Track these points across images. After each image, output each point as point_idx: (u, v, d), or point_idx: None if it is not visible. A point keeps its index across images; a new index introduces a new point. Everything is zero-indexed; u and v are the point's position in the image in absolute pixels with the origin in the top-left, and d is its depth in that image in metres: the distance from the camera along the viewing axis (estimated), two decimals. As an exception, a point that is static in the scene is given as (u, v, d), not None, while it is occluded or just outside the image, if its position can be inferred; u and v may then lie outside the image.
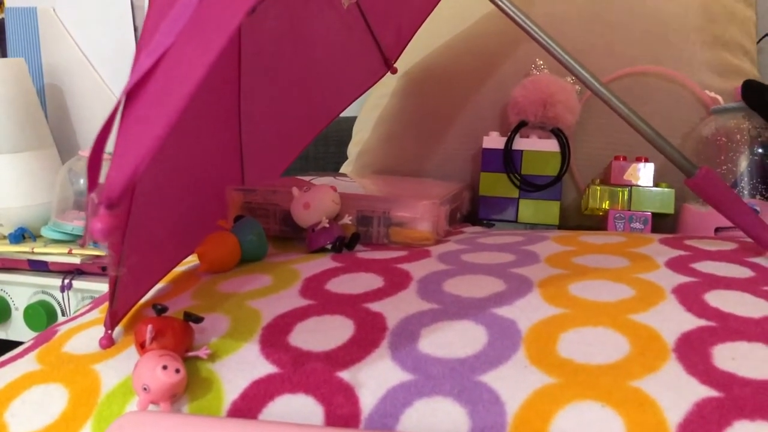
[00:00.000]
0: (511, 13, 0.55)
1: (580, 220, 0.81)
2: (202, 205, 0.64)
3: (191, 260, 0.63)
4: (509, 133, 0.79)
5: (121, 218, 0.44)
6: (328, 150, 1.09)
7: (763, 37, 1.06)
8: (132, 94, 0.28)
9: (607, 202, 0.76)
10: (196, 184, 0.64)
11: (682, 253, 0.57)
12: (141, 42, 0.32)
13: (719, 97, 0.79)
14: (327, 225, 0.61)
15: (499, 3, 0.54)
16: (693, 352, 0.41)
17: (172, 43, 0.28)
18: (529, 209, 0.79)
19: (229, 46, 0.65)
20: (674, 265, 0.53)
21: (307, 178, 0.78)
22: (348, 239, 0.62)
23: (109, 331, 0.49)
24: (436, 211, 0.63)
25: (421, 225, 0.62)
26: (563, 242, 0.61)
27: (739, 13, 0.89)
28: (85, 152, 1.18)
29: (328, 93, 0.83)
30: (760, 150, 0.71)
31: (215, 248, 0.58)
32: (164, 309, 0.45)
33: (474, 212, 0.82)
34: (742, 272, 0.52)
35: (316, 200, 0.61)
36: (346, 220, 0.63)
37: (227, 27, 0.27)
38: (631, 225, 0.74)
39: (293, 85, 0.78)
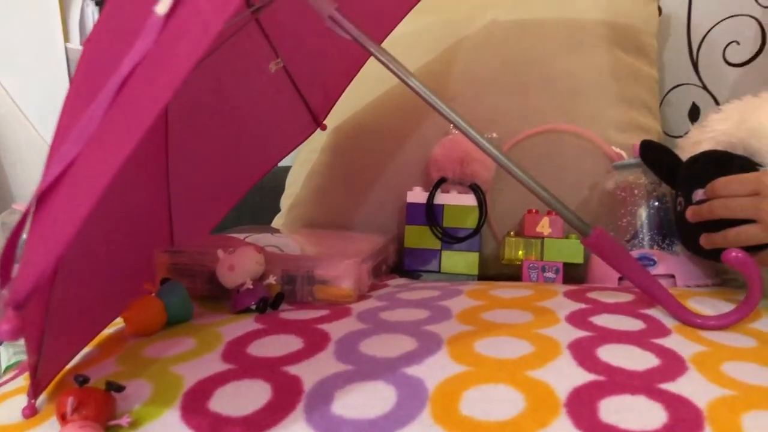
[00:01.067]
0: (408, 82, 0.58)
1: (499, 268, 0.85)
2: (130, 268, 0.66)
3: (119, 322, 0.65)
4: (431, 189, 0.84)
5: (34, 312, 0.46)
6: (263, 200, 1.12)
7: (667, 93, 1.14)
8: (42, 198, 0.30)
9: (522, 252, 0.81)
10: (124, 248, 0.65)
11: (582, 306, 0.61)
12: (54, 144, 0.34)
13: (623, 153, 0.85)
14: (251, 286, 0.63)
15: (388, 64, 0.58)
16: (582, 407, 0.45)
17: (78, 153, 0.30)
18: (451, 260, 0.83)
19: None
20: (573, 319, 0.58)
21: (240, 235, 0.80)
22: (272, 299, 0.64)
23: (33, 401, 0.50)
24: (358, 270, 0.66)
25: (344, 283, 0.65)
26: (475, 296, 0.65)
27: (642, 73, 0.96)
28: (19, 205, 1.17)
29: (258, 151, 0.86)
30: (656, 203, 0.77)
31: (141, 312, 0.60)
32: (86, 380, 0.46)
33: (401, 263, 0.86)
34: (634, 324, 0.57)
35: (241, 262, 0.64)
36: (271, 279, 0.65)
37: (131, 139, 0.29)
38: (545, 274, 0.79)
39: (222, 144, 0.80)
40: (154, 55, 0.30)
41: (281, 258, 0.67)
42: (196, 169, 0.77)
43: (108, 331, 0.64)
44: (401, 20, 0.86)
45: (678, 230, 0.73)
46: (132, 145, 0.29)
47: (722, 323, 0.57)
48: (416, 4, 0.85)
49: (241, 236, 0.81)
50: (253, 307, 0.63)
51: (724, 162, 0.68)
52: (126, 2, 0.40)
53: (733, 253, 0.56)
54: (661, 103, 1.15)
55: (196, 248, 0.70)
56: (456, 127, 0.59)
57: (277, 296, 0.65)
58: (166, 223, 0.74)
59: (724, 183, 0.64)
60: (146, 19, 0.32)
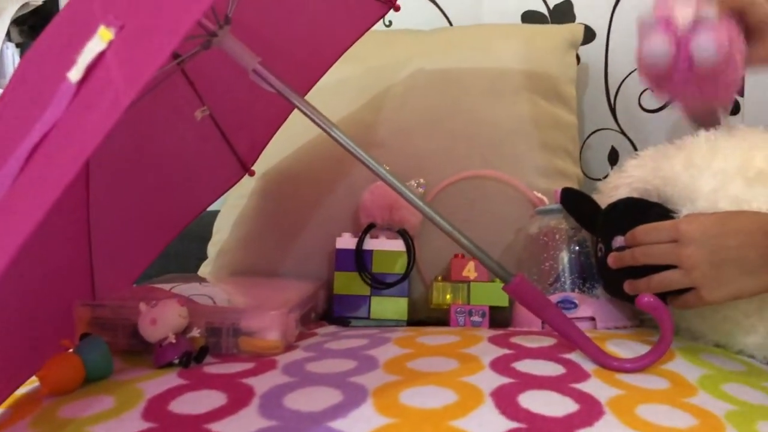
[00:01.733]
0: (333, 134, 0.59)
1: (428, 312, 0.86)
2: (47, 323, 0.64)
3: (34, 380, 0.62)
4: (360, 234, 0.84)
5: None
6: (190, 246, 1.10)
7: (588, 137, 1.19)
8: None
9: (450, 296, 0.82)
10: (41, 302, 0.63)
11: (506, 351, 0.62)
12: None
13: (545, 198, 0.88)
14: (174, 340, 0.62)
15: (312, 116, 0.59)
16: (503, 455, 0.46)
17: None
18: (380, 306, 0.83)
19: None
20: (497, 365, 0.59)
21: (165, 286, 0.79)
22: (196, 352, 0.63)
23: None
24: (284, 320, 0.66)
25: (270, 334, 0.65)
26: (403, 344, 0.65)
27: (562, 120, 1.00)
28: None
29: (183, 198, 0.85)
30: (577, 248, 0.80)
31: (57, 370, 0.58)
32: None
33: (330, 310, 0.86)
34: (555, 369, 0.59)
35: (163, 316, 0.63)
36: (195, 333, 0.64)
37: (40, 208, 0.29)
38: (471, 318, 0.80)
39: (145, 192, 0.79)
40: (64, 124, 0.30)
41: (205, 310, 0.67)
42: (118, 219, 0.76)
43: (23, 390, 0.61)
44: (328, 69, 0.88)
45: (599, 275, 0.76)
46: (41, 215, 0.28)
47: (637, 366, 0.60)
48: (342, 53, 0.86)
49: (167, 287, 0.79)
50: (176, 361, 0.62)
51: (641, 210, 0.71)
52: (42, 62, 0.40)
53: (645, 298, 0.59)
54: (582, 147, 1.20)
55: (118, 301, 0.68)
56: (378, 176, 0.60)
57: (201, 349, 0.63)
58: (87, 276, 0.72)
59: (643, 231, 0.66)
60: (59, 84, 0.32)
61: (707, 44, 0.69)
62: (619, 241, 0.71)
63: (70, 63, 0.33)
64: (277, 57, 0.77)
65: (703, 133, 0.78)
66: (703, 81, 0.72)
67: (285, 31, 0.76)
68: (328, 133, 0.60)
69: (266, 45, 0.71)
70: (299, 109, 0.60)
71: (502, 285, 0.62)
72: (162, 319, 0.63)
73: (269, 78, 0.58)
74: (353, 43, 0.86)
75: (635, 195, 0.75)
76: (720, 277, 0.61)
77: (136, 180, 0.78)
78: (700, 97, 0.75)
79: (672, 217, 0.69)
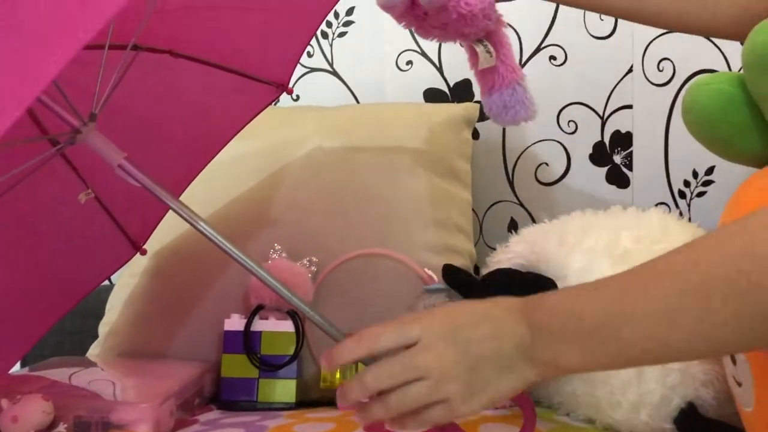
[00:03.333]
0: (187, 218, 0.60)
1: (320, 393, 0.86)
2: None
3: None
4: (249, 315, 0.84)
5: None
6: (85, 323, 1.07)
7: (489, 209, 1.23)
8: None
9: (339, 376, 0.83)
10: None
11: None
12: None
13: (434, 276, 0.90)
14: (35, 439, 0.60)
15: (178, 211, 0.59)
16: None
17: None
18: (268, 388, 0.83)
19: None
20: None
21: (48, 372, 0.77)
22: (61, 450, 0.61)
23: None
24: (156, 413, 0.65)
25: (141, 428, 0.64)
26: (278, 434, 0.65)
27: (456, 197, 1.03)
28: None
29: (68, 281, 0.83)
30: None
31: None
32: None
33: (219, 393, 0.84)
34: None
35: (25, 412, 0.61)
36: (62, 428, 0.62)
37: None
38: (359, 400, 0.80)
39: (27, 277, 0.77)
40: None
41: (74, 403, 0.65)
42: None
43: None
44: (217, 152, 0.88)
45: None
46: None
47: (503, 453, 0.61)
48: (232, 137, 0.87)
49: (49, 372, 0.77)
50: (37, 461, 0.60)
51: (513, 278, 0.74)
52: None
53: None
54: (483, 219, 1.23)
55: (-17, 395, 0.66)
56: (247, 269, 0.61)
57: (66, 447, 0.62)
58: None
59: (377, 377, 0.50)
60: None
61: None
62: None
63: None
64: (160, 146, 0.78)
65: (578, 213, 0.82)
66: (439, 18, 0.75)
67: (170, 120, 0.77)
68: (196, 227, 0.60)
69: (144, 134, 0.72)
70: (167, 204, 0.60)
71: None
72: (24, 416, 0.61)
73: (135, 174, 0.58)
74: (243, 127, 0.88)
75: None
76: (475, 380, 0.48)
77: (16, 264, 0.76)
78: (444, 35, 0.79)
79: (545, 283, 0.71)
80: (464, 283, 0.80)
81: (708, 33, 0.75)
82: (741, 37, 0.66)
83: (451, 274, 0.81)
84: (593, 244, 0.73)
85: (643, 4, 0.71)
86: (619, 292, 0.47)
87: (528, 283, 0.72)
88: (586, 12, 1.17)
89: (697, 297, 0.43)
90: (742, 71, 0.63)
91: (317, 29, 0.85)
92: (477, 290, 0.77)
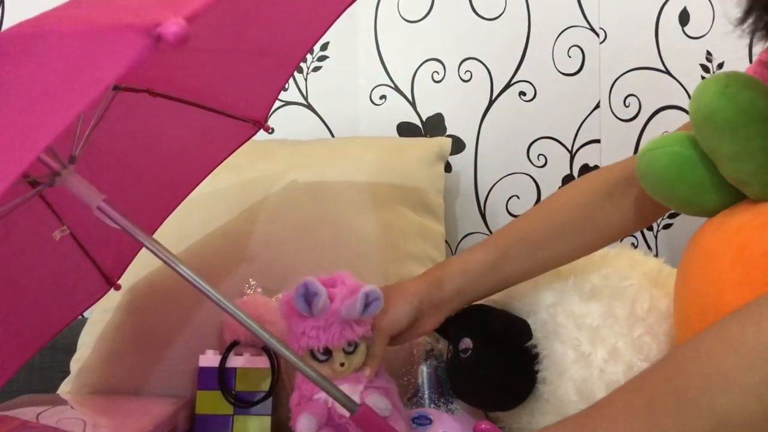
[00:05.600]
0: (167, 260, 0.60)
1: (295, 429, 0.86)
2: None
3: None
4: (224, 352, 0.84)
5: None
6: (55, 358, 1.06)
7: (461, 240, 1.25)
8: None
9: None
10: None
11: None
12: None
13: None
14: (7, 483, 0.59)
15: (156, 252, 0.60)
16: None
17: None
18: (242, 425, 0.83)
19: None
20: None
21: (17, 411, 0.76)
22: (33, 493, 0.61)
23: None
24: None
25: (114, 469, 0.63)
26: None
27: (429, 230, 1.05)
28: None
29: (41, 317, 0.82)
30: (434, 362, 0.83)
31: None
32: None
33: (193, 430, 0.84)
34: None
35: (-2, 456, 0.60)
36: (34, 471, 0.62)
37: None
38: (335, 436, 0.80)
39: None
40: None
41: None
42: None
43: None
44: (194, 188, 0.89)
45: (448, 376, 0.79)
46: None
47: (479, 489, 0.62)
48: (209, 173, 0.88)
49: (18, 411, 0.76)
50: (9, 506, 0.59)
51: (484, 314, 0.76)
52: None
53: (483, 425, 0.62)
54: (455, 251, 1.25)
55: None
56: (229, 314, 0.61)
57: (38, 490, 0.61)
58: None
59: None
60: None
61: None
62: (465, 342, 0.75)
63: None
64: (137, 182, 0.78)
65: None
66: None
67: (146, 157, 0.77)
68: (176, 270, 0.61)
69: (121, 172, 0.72)
70: (147, 247, 0.61)
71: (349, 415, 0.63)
72: (-4, 460, 0.60)
73: (113, 215, 0.59)
74: (220, 163, 0.88)
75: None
76: None
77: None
78: None
79: (517, 323, 0.73)
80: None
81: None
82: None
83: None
84: (563, 281, 0.75)
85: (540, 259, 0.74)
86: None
87: (499, 320, 0.73)
88: (554, 49, 1.21)
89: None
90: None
91: (296, 68, 0.86)
92: (451, 327, 0.78)
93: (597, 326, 0.70)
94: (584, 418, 0.51)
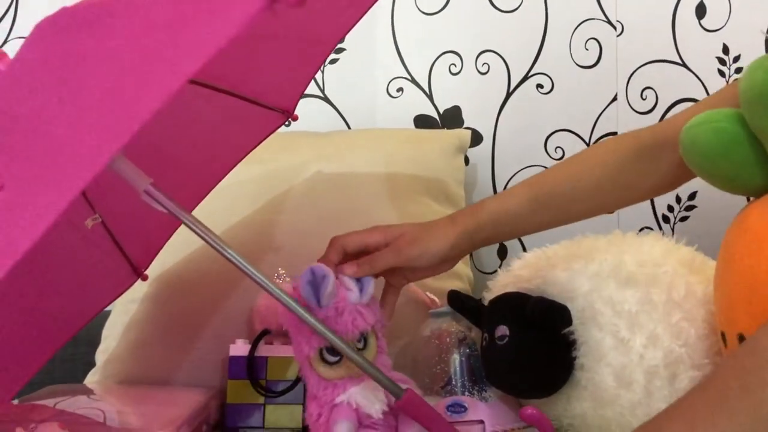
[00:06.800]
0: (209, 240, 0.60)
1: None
2: None
3: None
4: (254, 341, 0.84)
5: None
6: (77, 350, 1.05)
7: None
8: None
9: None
10: None
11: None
12: None
13: (436, 299, 0.91)
14: (53, 469, 0.59)
15: (204, 236, 0.60)
16: None
17: None
18: (274, 414, 0.83)
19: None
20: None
21: (49, 401, 0.75)
22: (77, 479, 0.60)
23: None
24: (171, 440, 0.64)
25: (157, 455, 0.63)
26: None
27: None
28: None
29: (69, 308, 0.82)
30: (467, 351, 0.83)
31: None
32: None
33: (224, 419, 0.84)
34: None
35: (43, 442, 0.60)
36: (77, 457, 0.61)
37: None
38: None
39: (27, 305, 0.76)
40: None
41: (90, 431, 0.64)
42: (-2, 332, 0.72)
43: None
44: (224, 176, 0.89)
45: (483, 364, 0.79)
46: None
47: (521, 473, 0.62)
48: (238, 162, 0.88)
49: (50, 402, 0.76)
50: (55, 492, 0.59)
51: (521, 300, 0.76)
52: None
53: (528, 411, 0.62)
54: (473, 243, 1.25)
55: (-7, 424, 0.64)
56: (267, 291, 0.61)
57: (82, 476, 0.61)
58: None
59: None
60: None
61: None
62: (501, 330, 0.75)
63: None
64: (171, 169, 0.78)
65: (579, 237, 0.84)
66: None
67: (180, 144, 0.77)
68: (221, 253, 0.61)
69: (160, 158, 0.72)
70: (191, 228, 0.61)
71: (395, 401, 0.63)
72: (40, 446, 0.60)
73: (160, 198, 0.59)
74: (250, 152, 0.88)
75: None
76: None
77: (23, 291, 0.75)
78: None
79: (557, 308, 0.73)
80: (471, 307, 0.82)
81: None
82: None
83: (457, 299, 0.83)
84: (598, 268, 0.75)
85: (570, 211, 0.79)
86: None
87: (538, 306, 0.73)
88: (572, 41, 1.22)
89: None
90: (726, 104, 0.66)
91: (327, 58, 0.86)
92: (485, 314, 0.79)
93: (635, 312, 0.71)
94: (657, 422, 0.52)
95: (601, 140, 0.84)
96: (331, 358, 0.66)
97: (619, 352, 0.70)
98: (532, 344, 0.74)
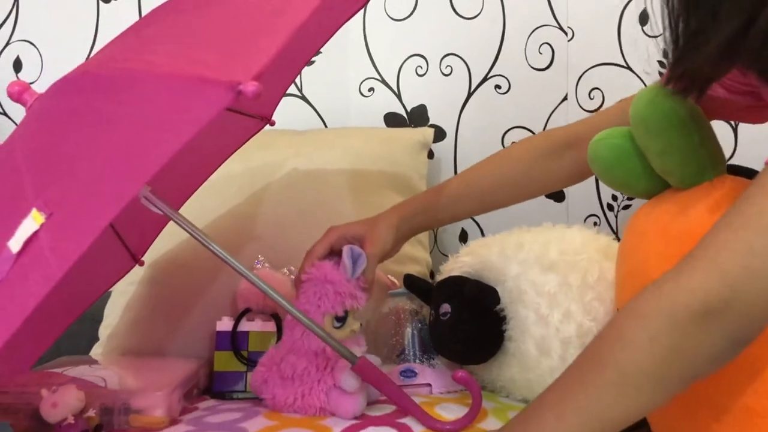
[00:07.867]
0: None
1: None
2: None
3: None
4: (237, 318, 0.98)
5: None
6: (81, 327, 1.18)
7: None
8: None
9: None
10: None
11: (354, 422, 0.77)
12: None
13: (396, 281, 1.04)
14: (72, 421, 0.73)
15: (195, 235, 0.73)
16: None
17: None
18: (255, 380, 0.96)
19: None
20: None
21: (60, 369, 0.88)
22: (92, 430, 0.74)
23: None
24: (168, 399, 0.78)
25: (156, 411, 0.77)
26: (270, 417, 0.79)
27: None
28: None
29: (77, 291, 0.95)
30: (419, 325, 0.97)
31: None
32: None
33: (212, 385, 0.97)
34: (389, 432, 0.74)
35: (63, 400, 0.73)
36: (91, 413, 0.75)
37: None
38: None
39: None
40: (4, 288, 0.42)
41: (100, 392, 0.78)
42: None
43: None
44: (208, 177, 1.01)
45: (430, 336, 0.93)
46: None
47: (455, 427, 0.76)
48: (220, 164, 1.00)
49: (61, 370, 0.89)
50: (75, 439, 0.72)
51: (460, 283, 0.90)
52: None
53: (459, 374, 0.76)
54: (437, 230, 1.39)
55: (20, 387, 0.78)
56: (251, 282, 0.74)
57: (96, 428, 0.74)
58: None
59: None
60: (1, 251, 0.44)
61: None
62: (444, 307, 0.89)
63: (10, 233, 0.45)
64: (164, 175, 0.90)
65: (516, 229, 0.98)
66: None
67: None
68: (207, 247, 0.74)
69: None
70: (182, 227, 0.73)
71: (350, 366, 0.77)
72: (62, 403, 0.73)
73: (156, 203, 0.71)
74: (231, 155, 1.01)
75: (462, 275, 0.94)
76: None
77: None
78: None
79: (486, 290, 0.87)
80: (423, 289, 0.96)
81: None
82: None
83: (411, 281, 0.97)
84: (526, 255, 0.89)
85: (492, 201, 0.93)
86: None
87: (473, 288, 0.87)
88: (527, 46, 1.34)
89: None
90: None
91: (304, 66, 0.98)
92: (433, 294, 0.93)
93: (554, 293, 0.84)
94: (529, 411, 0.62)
95: (521, 139, 0.97)
96: (337, 323, 0.81)
97: (539, 326, 0.84)
98: (470, 319, 0.88)
